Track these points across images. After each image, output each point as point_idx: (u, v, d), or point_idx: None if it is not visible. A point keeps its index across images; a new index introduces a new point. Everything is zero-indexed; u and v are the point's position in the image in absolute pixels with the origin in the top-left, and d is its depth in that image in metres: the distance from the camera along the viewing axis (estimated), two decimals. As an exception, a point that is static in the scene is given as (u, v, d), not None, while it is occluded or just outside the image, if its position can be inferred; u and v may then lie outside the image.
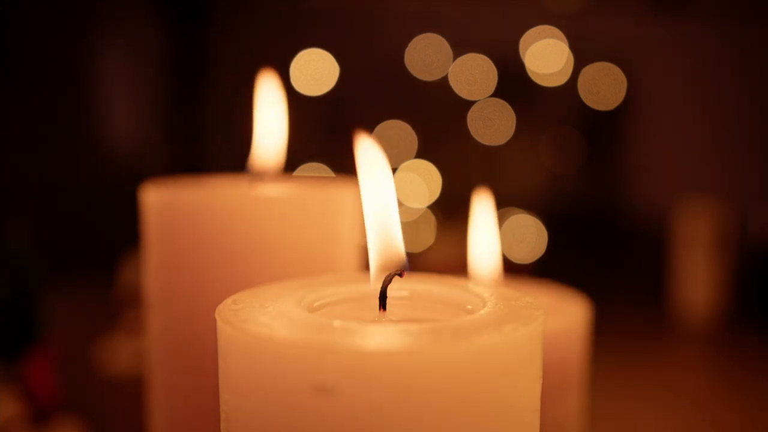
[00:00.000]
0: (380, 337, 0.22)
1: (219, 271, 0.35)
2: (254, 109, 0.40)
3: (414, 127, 1.60)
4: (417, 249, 1.43)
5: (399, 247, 0.26)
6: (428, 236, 1.50)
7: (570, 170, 1.74)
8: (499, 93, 1.65)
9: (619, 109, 1.69)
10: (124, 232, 0.75)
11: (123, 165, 1.60)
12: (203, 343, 0.33)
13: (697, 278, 1.17)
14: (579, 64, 1.65)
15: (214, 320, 0.24)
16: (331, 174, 1.57)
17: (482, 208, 0.40)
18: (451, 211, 1.51)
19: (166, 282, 0.36)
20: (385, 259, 0.26)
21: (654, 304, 1.23)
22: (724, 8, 1.54)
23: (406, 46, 1.65)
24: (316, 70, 1.62)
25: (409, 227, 1.53)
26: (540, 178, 1.74)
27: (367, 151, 0.26)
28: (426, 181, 1.59)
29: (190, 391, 0.35)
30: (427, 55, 1.65)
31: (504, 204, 1.58)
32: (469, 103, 1.66)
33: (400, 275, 0.26)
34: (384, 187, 0.26)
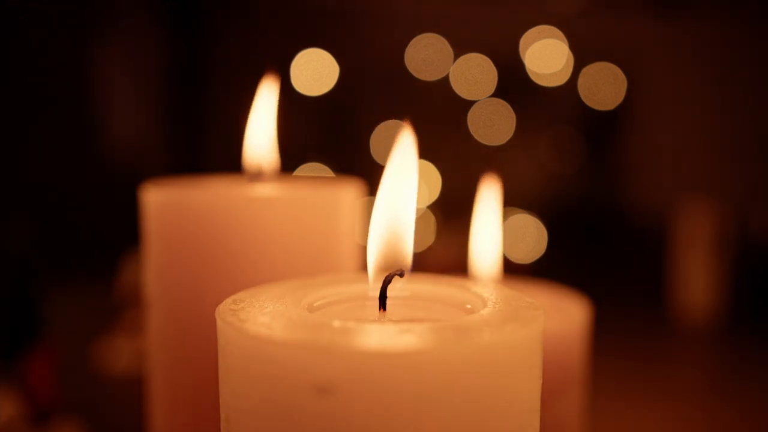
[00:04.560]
0: (380, 337, 0.22)
1: (219, 271, 0.35)
2: (250, 112, 0.40)
3: (414, 127, 1.60)
4: (417, 249, 1.43)
5: (406, 248, 0.26)
6: (428, 236, 1.50)
7: (570, 170, 1.74)
8: (499, 93, 1.65)
9: (619, 109, 1.69)
10: (124, 232, 0.75)
11: (123, 165, 1.60)
12: (203, 343, 0.33)
13: (697, 278, 1.17)
14: (579, 64, 1.65)
15: (214, 320, 0.24)
16: (331, 174, 1.57)
17: (487, 204, 0.40)
18: (451, 211, 1.51)
19: (166, 282, 0.36)
20: (388, 259, 0.26)
21: (654, 304, 1.23)
22: (723, 8, 1.54)
23: (406, 46, 1.65)
24: (316, 70, 1.62)
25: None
26: (540, 178, 1.74)
27: (404, 145, 0.26)
28: (426, 181, 1.59)
29: (190, 391, 0.35)
30: (427, 55, 1.65)
31: (504, 204, 1.58)
32: (469, 103, 1.66)
33: (401, 275, 0.26)
34: (405, 185, 0.26)
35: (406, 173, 0.26)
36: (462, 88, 1.66)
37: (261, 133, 0.39)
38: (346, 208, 0.37)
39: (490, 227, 0.40)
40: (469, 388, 0.21)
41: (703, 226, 1.18)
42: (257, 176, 0.40)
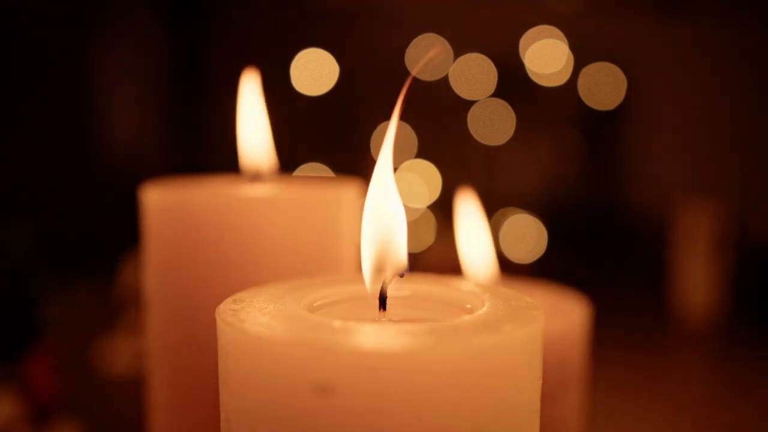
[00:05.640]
0: (380, 337, 0.22)
1: (219, 271, 0.35)
2: (237, 112, 0.40)
3: (414, 127, 1.60)
4: (417, 249, 1.43)
5: (400, 249, 0.26)
6: (428, 236, 1.50)
7: (570, 170, 1.74)
8: (499, 93, 1.65)
9: (619, 109, 1.69)
10: (124, 232, 0.75)
11: (123, 165, 1.60)
12: (203, 343, 0.33)
13: (697, 278, 1.17)
14: (579, 64, 1.64)
15: (214, 320, 0.24)
16: (331, 174, 1.57)
17: (468, 211, 0.40)
18: (451, 211, 1.51)
19: (166, 282, 0.36)
20: (383, 260, 0.26)
21: (654, 304, 1.23)
22: (723, 9, 1.54)
23: (406, 46, 1.65)
24: (316, 70, 1.62)
25: (409, 227, 1.52)
26: (540, 178, 1.74)
27: (385, 151, 0.26)
28: (426, 181, 1.59)
29: (190, 391, 0.35)
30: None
31: (504, 204, 1.58)
32: (469, 103, 1.66)
33: (401, 275, 0.26)
34: (388, 187, 0.26)
35: (387, 176, 0.26)
36: (462, 88, 1.66)
37: (254, 133, 0.39)
38: (346, 208, 0.37)
39: (476, 232, 0.39)
40: (469, 388, 0.21)
41: (703, 226, 1.18)
42: (257, 176, 0.40)
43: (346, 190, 0.38)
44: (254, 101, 0.40)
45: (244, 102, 0.40)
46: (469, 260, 0.39)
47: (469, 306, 0.26)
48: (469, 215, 0.40)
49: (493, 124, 1.66)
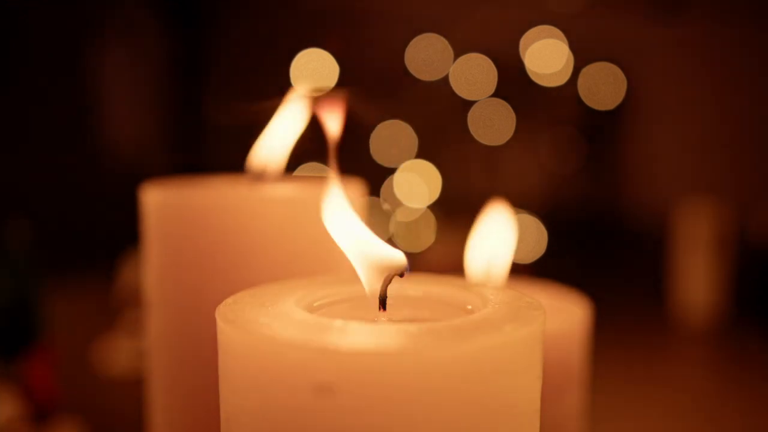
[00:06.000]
0: (380, 337, 0.22)
1: (219, 270, 0.35)
2: (273, 117, 0.40)
3: (414, 127, 1.60)
4: (417, 249, 1.43)
5: (394, 253, 0.26)
6: (428, 236, 1.50)
7: (570, 170, 1.74)
8: (499, 93, 1.65)
9: (619, 109, 1.69)
10: (124, 232, 0.75)
11: (123, 165, 1.60)
12: (203, 343, 0.33)
13: (697, 278, 1.17)
14: (579, 64, 1.64)
15: (214, 320, 0.24)
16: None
17: (498, 217, 0.40)
18: (451, 211, 1.51)
19: (166, 282, 0.36)
20: (382, 264, 0.26)
21: (654, 304, 1.23)
22: (723, 9, 1.54)
23: (406, 46, 1.65)
24: (316, 70, 1.62)
25: (409, 227, 1.53)
26: (540, 178, 1.74)
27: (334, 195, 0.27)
28: (426, 181, 1.59)
29: (190, 391, 0.35)
30: (427, 55, 1.65)
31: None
32: (469, 103, 1.66)
33: (401, 275, 0.26)
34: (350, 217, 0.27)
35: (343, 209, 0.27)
36: (462, 88, 1.66)
37: (279, 140, 0.39)
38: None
39: (505, 235, 0.39)
40: (469, 388, 0.21)
41: (703, 226, 1.18)
42: (257, 176, 0.40)
43: (347, 190, 0.37)
44: (299, 116, 0.40)
45: (287, 110, 0.40)
46: (484, 262, 0.39)
47: (469, 306, 0.26)
48: (499, 220, 0.40)
49: (493, 124, 1.66)
